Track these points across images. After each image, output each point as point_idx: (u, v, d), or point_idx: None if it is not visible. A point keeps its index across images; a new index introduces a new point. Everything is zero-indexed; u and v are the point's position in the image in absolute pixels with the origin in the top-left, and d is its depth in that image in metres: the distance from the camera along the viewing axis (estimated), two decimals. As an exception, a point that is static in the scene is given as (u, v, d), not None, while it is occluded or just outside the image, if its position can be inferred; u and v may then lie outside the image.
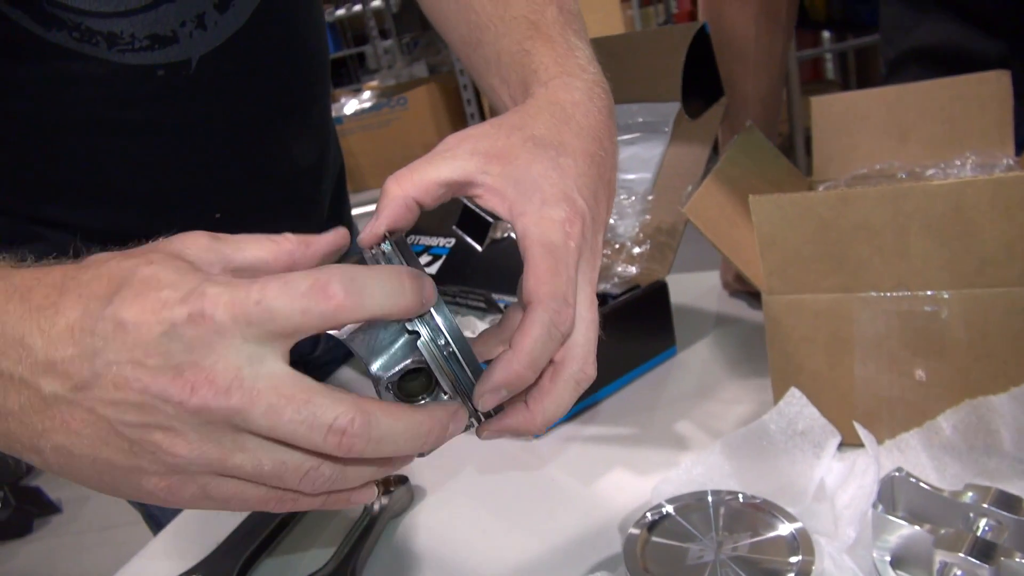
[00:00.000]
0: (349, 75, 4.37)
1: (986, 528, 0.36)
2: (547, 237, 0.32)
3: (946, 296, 0.42)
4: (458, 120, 2.97)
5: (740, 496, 0.42)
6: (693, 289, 0.77)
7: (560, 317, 0.32)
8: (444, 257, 0.73)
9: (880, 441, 0.45)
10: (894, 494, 0.39)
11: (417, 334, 0.31)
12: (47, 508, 2.29)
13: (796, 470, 0.45)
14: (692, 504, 0.42)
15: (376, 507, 0.51)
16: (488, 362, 0.33)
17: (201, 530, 0.56)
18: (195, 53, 0.54)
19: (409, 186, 0.34)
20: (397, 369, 0.31)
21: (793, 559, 0.37)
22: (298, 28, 0.63)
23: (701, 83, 0.68)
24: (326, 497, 0.31)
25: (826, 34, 3.30)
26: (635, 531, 0.41)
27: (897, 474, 0.39)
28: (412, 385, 0.32)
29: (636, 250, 0.65)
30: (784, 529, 0.39)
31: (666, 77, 0.67)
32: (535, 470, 0.55)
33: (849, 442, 0.46)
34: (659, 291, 0.63)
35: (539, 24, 0.43)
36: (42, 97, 0.52)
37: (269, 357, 0.28)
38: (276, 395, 0.27)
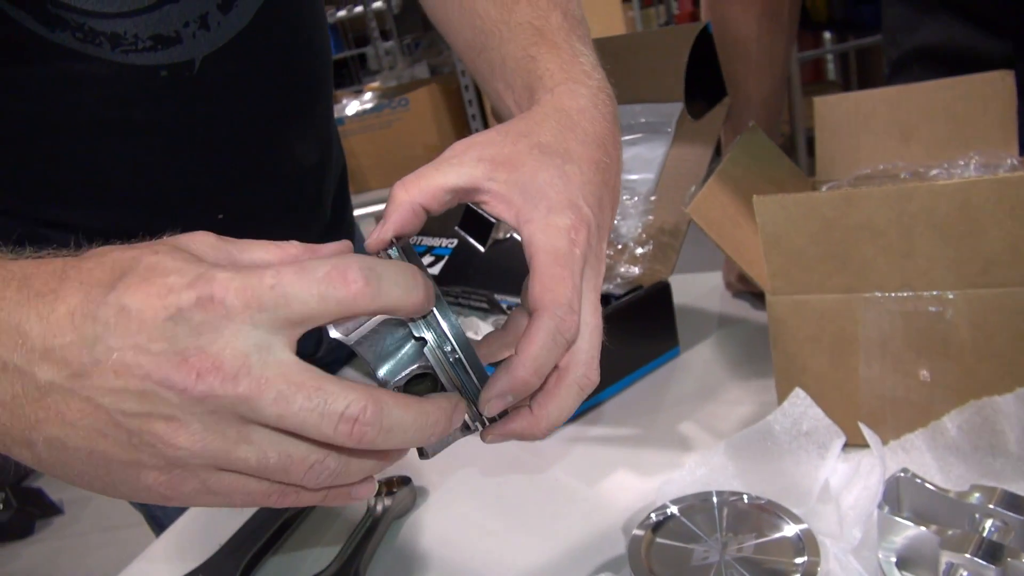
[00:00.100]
0: (350, 76, 4.37)
1: (992, 529, 0.35)
2: (553, 244, 0.33)
3: (951, 296, 0.42)
4: (459, 121, 2.97)
5: (745, 497, 0.42)
6: (696, 289, 0.77)
7: (565, 324, 0.32)
8: (446, 258, 0.73)
9: (885, 442, 0.45)
10: (899, 495, 0.39)
11: (423, 340, 0.31)
12: (49, 509, 2.29)
13: (801, 471, 0.45)
14: (697, 505, 0.42)
15: (379, 508, 0.51)
16: (493, 366, 0.33)
17: (204, 531, 0.56)
18: (198, 54, 0.54)
19: (416, 192, 0.34)
20: (403, 374, 0.31)
21: (798, 560, 0.37)
22: (301, 28, 0.63)
23: (704, 83, 0.68)
24: (327, 492, 0.31)
25: (827, 35, 3.30)
26: (639, 532, 0.41)
27: (902, 475, 0.39)
28: (417, 390, 0.32)
29: (639, 251, 0.65)
30: (789, 530, 0.39)
31: (669, 77, 0.67)
32: (538, 471, 0.55)
33: (853, 443, 0.46)
34: (662, 292, 0.63)
35: (544, 30, 0.43)
36: (45, 97, 0.52)
37: (277, 346, 0.27)
38: (286, 383, 0.27)
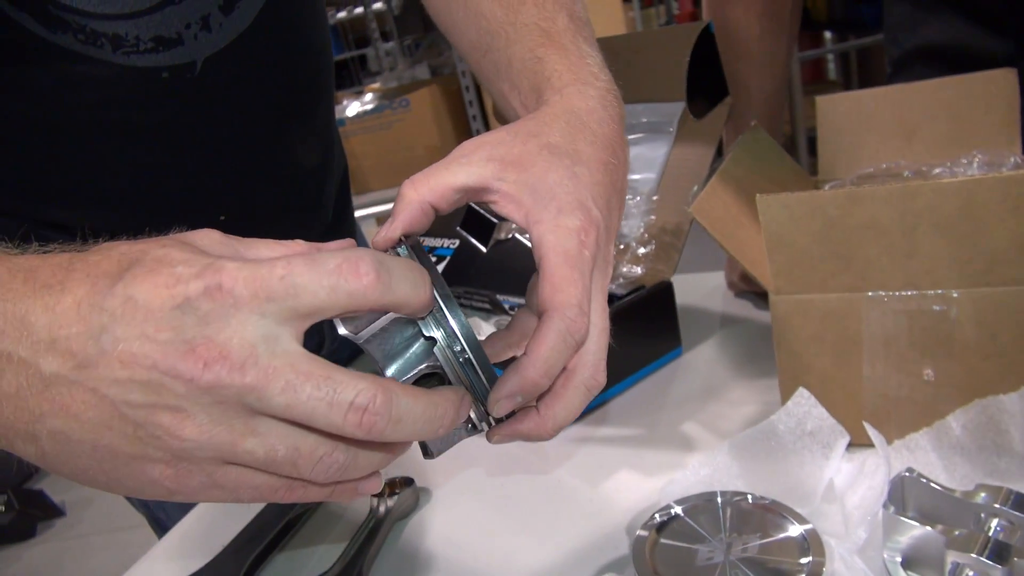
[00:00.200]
0: (351, 77, 4.38)
1: (998, 528, 0.35)
2: (563, 245, 0.33)
3: (955, 295, 0.42)
4: (460, 122, 2.97)
5: (749, 497, 0.42)
6: (698, 289, 0.77)
7: (575, 325, 0.32)
8: (449, 258, 0.73)
9: (889, 441, 0.45)
10: (904, 495, 0.39)
11: (433, 339, 0.31)
12: (50, 511, 2.29)
13: (805, 471, 0.45)
14: (701, 505, 0.42)
15: (382, 509, 0.51)
16: (501, 367, 0.33)
17: (206, 533, 0.56)
18: (200, 55, 0.54)
19: (425, 191, 0.34)
20: (412, 374, 0.31)
21: (804, 560, 0.37)
22: (302, 30, 0.63)
23: (706, 83, 0.68)
24: (334, 487, 0.30)
25: (828, 34, 3.30)
26: (644, 533, 0.41)
27: (907, 474, 0.38)
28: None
29: (641, 251, 0.65)
30: (794, 530, 0.39)
31: (671, 77, 0.67)
32: (541, 472, 0.55)
33: (858, 442, 0.46)
34: (664, 291, 0.63)
35: (550, 32, 0.43)
36: (46, 99, 0.52)
37: (285, 337, 0.27)
38: (294, 372, 0.26)
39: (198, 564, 0.50)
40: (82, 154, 0.55)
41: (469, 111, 2.89)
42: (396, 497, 0.52)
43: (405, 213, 0.34)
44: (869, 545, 0.39)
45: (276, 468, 0.28)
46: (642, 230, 0.66)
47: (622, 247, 0.66)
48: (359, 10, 3.91)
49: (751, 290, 0.73)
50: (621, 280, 0.64)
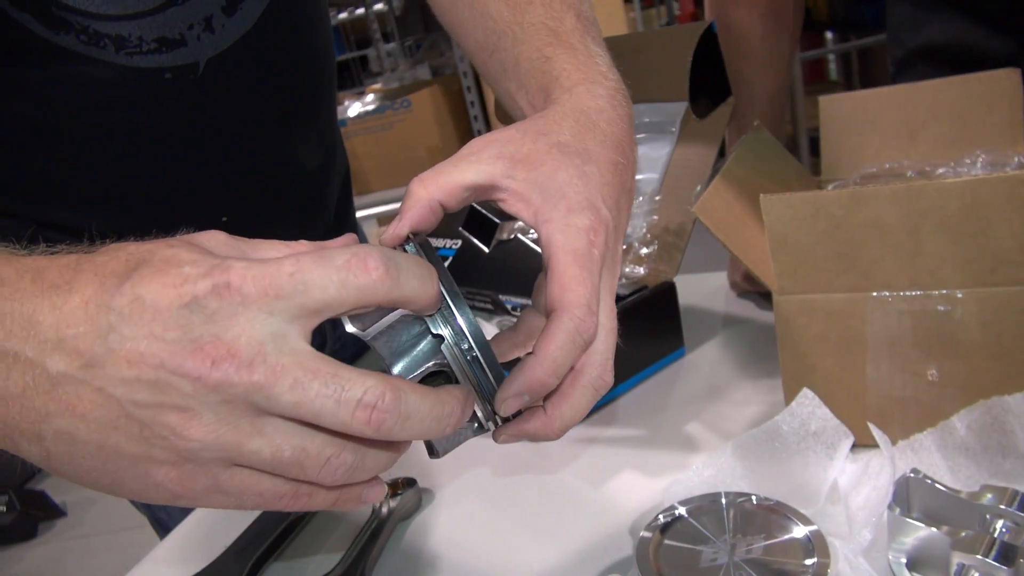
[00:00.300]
0: (352, 78, 4.38)
1: (1003, 530, 0.35)
2: (572, 245, 0.32)
3: (960, 295, 0.42)
4: (462, 122, 2.97)
5: (753, 498, 0.42)
6: (701, 290, 0.77)
7: (584, 325, 0.32)
8: (451, 258, 0.73)
9: (893, 442, 0.44)
10: (909, 496, 0.38)
11: (440, 337, 0.31)
12: (52, 512, 2.29)
13: (809, 472, 0.45)
14: (705, 506, 0.42)
15: (384, 510, 0.51)
16: (508, 366, 0.33)
17: (208, 534, 0.56)
18: (202, 56, 0.54)
19: (434, 188, 0.34)
20: (419, 371, 0.31)
21: (808, 561, 0.37)
22: (305, 31, 0.63)
23: (708, 83, 0.68)
24: (339, 493, 0.30)
25: (829, 35, 3.30)
26: (647, 534, 0.41)
27: (912, 475, 0.38)
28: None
29: (644, 251, 0.65)
30: (798, 531, 0.39)
31: (673, 77, 0.67)
32: (544, 472, 0.54)
33: (862, 443, 0.46)
34: (667, 292, 0.63)
35: (558, 31, 0.42)
36: (49, 100, 0.52)
37: (293, 335, 0.27)
38: (302, 370, 0.26)
39: (200, 565, 0.50)
40: (84, 155, 0.55)
41: (470, 111, 2.89)
42: (398, 498, 0.52)
43: (414, 211, 0.33)
44: (874, 546, 0.38)
45: (282, 470, 0.28)
46: (645, 230, 0.66)
47: (624, 247, 0.66)
48: (360, 11, 3.92)
49: (754, 290, 0.73)
50: (624, 280, 0.64)
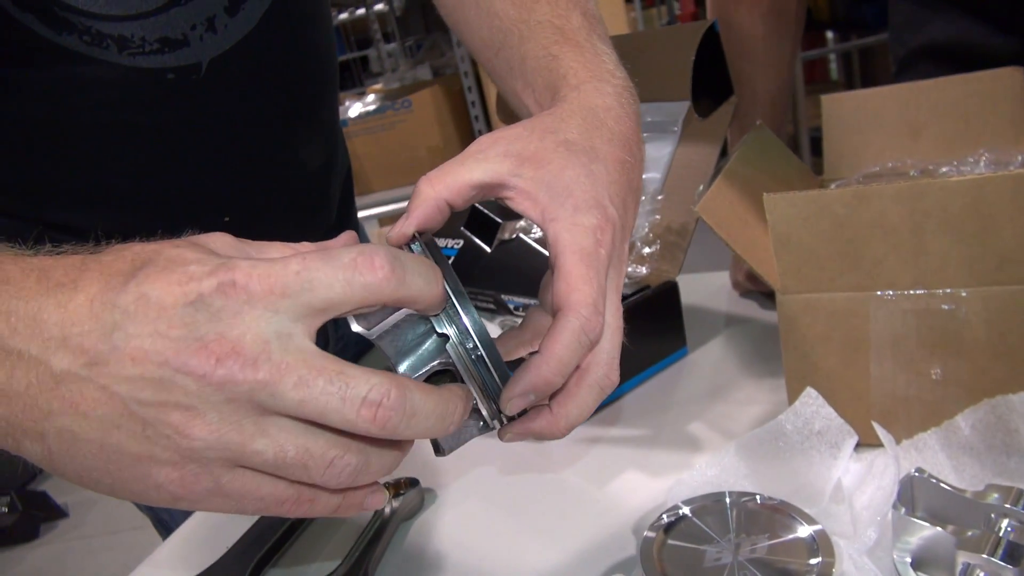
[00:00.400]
0: (352, 78, 4.38)
1: (1009, 529, 0.35)
2: (579, 244, 0.32)
3: (964, 294, 0.42)
4: (462, 122, 2.98)
5: (757, 497, 0.42)
6: (703, 289, 0.77)
7: (591, 324, 0.32)
8: (453, 258, 0.73)
9: (897, 441, 0.44)
10: (914, 495, 0.38)
11: (445, 336, 0.31)
12: (54, 513, 2.29)
13: (813, 471, 0.45)
14: (709, 506, 0.42)
15: (387, 510, 0.51)
16: (513, 365, 0.33)
17: (211, 535, 0.56)
18: (205, 56, 0.54)
19: (441, 187, 0.34)
20: (424, 370, 0.31)
21: (813, 561, 0.37)
22: (307, 31, 0.63)
23: (710, 82, 0.68)
24: (342, 498, 0.30)
25: (830, 34, 3.30)
26: (651, 534, 0.41)
27: (917, 475, 0.38)
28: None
29: (646, 250, 0.65)
30: (803, 531, 0.39)
31: (676, 76, 0.67)
32: (547, 472, 0.54)
33: (866, 442, 0.46)
34: (670, 291, 0.63)
35: (564, 29, 0.42)
36: (51, 100, 0.52)
37: (298, 335, 0.27)
38: (307, 368, 0.26)
39: (202, 566, 0.50)
40: (86, 155, 0.55)
41: (471, 112, 2.89)
42: (401, 498, 0.52)
43: (420, 210, 0.33)
44: (879, 546, 0.38)
45: (286, 472, 0.28)
46: (647, 230, 0.65)
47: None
48: (361, 11, 3.92)
49: (756, 289, 0.73)
50: (626, 280, 0.63)
